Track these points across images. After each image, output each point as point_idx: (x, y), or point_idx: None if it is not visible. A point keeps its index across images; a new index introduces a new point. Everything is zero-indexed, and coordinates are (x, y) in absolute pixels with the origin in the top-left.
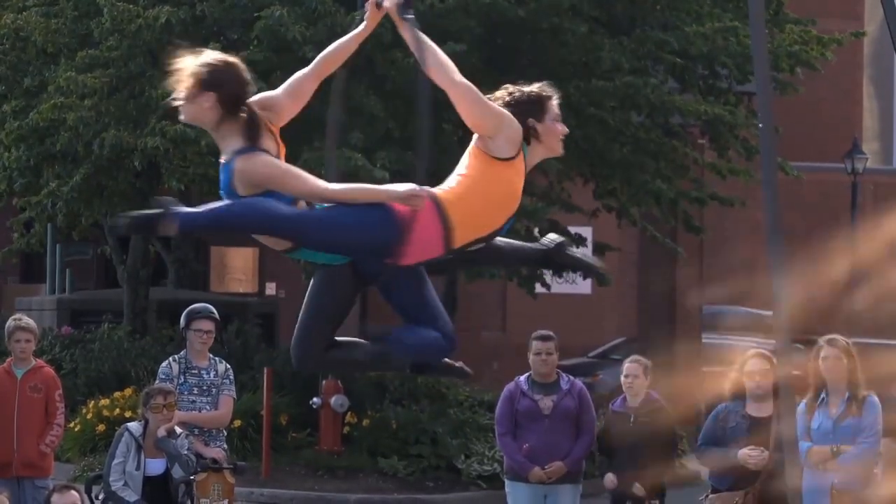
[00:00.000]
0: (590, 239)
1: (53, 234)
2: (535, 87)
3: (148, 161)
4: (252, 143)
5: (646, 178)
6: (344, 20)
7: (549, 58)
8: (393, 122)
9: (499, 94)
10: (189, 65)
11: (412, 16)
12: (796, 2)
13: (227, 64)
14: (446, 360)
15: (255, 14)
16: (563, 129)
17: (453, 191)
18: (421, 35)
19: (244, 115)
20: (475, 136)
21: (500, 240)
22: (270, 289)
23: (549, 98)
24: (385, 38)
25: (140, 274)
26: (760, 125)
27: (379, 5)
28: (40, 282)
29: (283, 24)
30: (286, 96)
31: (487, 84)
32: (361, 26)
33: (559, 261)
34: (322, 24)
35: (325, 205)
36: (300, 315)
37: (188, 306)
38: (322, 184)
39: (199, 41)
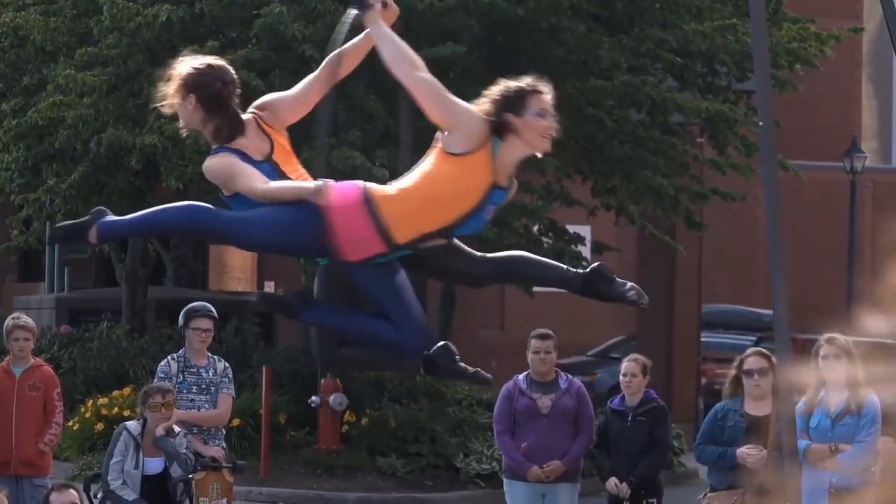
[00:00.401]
0: (588, 238)
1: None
2: (521, 82)
3: (146, 159)
4: (222, 142)
5: (646, 175)
6: (343, 18)
7: (548, 57)
8: (392, 120)
9: (494, 88)
10: (179, 69)
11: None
12: (796, 1)
13: (208, 66)
14: (460, 364)
15: (255, 12)
16: (547, 124)
17: (397, 187)
18: (391, 34)
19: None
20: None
21: (530, 256)
22: (269, 288)
23: (533, 93)
24: None
25: (139, 273)
26: (761, 123)
27: (386, 5)
28: (39, 280)
29: (282, 22)
30: (292, 98)
31: (486, 83)
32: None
33: (597, 288)
34: (321, 22)
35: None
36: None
37: (187, 305)
38: (259, 184)
39: (198, 39)
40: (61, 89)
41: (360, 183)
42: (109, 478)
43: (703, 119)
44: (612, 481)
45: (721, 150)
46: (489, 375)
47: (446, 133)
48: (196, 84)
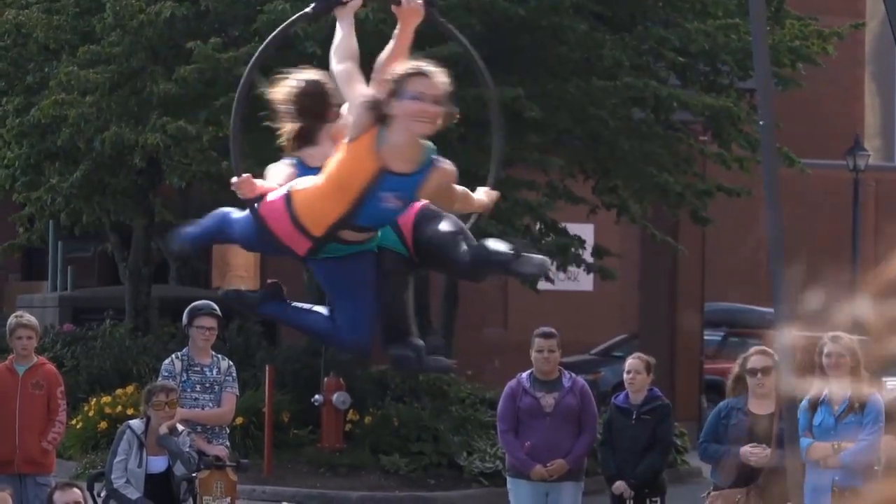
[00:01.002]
0: (591, 235)
1: (55, 231)
2: (407, 64)
3: (149, 158)
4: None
5: (651, 171)
6: None
7: (549, 56)
8: None
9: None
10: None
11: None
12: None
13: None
14: (431, 358)
15: (258, 8)
16: (420, 107)
17: (312, 180)
18: (348, 30)
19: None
20: None
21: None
22: None
23: (413, 75)
24: (387, 33)
25: (142, 271)
26: (761, 122)
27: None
28: (42, 279)
29: (285, 19)
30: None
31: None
32: (398, 29)
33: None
34: (325, 19)
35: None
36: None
37: (190, 304)
38: None
39: (201, 37)
40: (64, 87)
41: (293, 182)
42: (113, 476)
43: (707, 116)
44: (621, 485)
45: (725, 147)
46: (448, 362)
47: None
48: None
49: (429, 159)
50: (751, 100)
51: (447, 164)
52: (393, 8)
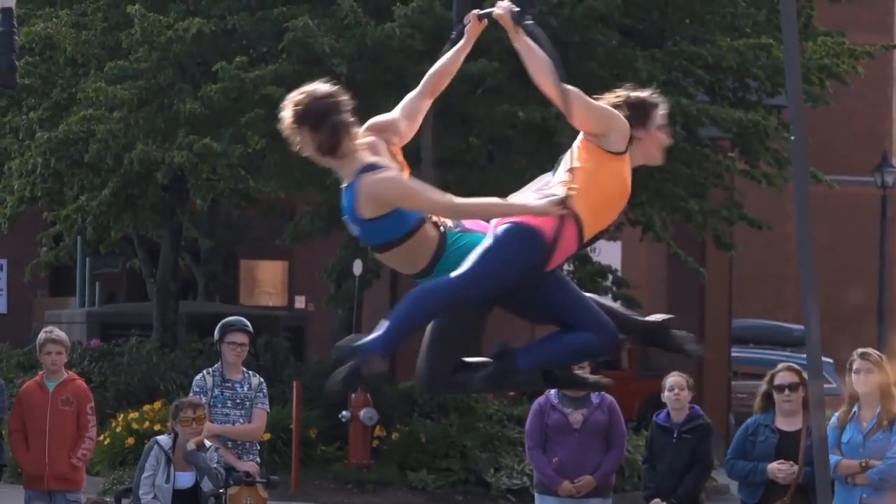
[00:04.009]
0: (618, 252)
1: (83, 247)
2: (644, 93)
3: (174, 174)
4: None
5: (679, 193)
6: (374, 32)
7: (577, 71)
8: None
9: (609, 96)
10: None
11: (531, 21)
12: (827, 15)
13: (311, 96)
14: (576, 370)
15: (285, 25)
16: (665, 138)
17: (575, 186)
18: (534, 46)
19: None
20: (581, 133)
21: (608, 303)
22: (300, 302)
23: (656, 106)
24: (415, 48)
25: (170, 287)
26: (792, 137)
27: (482, 18)
28: (70, 295)
29: (311, 35)
30: (403, 118)
31: (513, 99)
32: (463, 40)
33: (661, 341)
34: (351, 35)
35: (469, 260)
36: (425, 337)
37: (218, 320)
38: (449, 198)
39: (228, 54)
40: (92, 102)
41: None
42: (141, 492)
43: (735, 133)
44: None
45: (753, 164)
46: (605, 380)
47: (600, 136)
48: (307, 115)
49: None
50: (779, 115)
51: None
52: (472, 17)
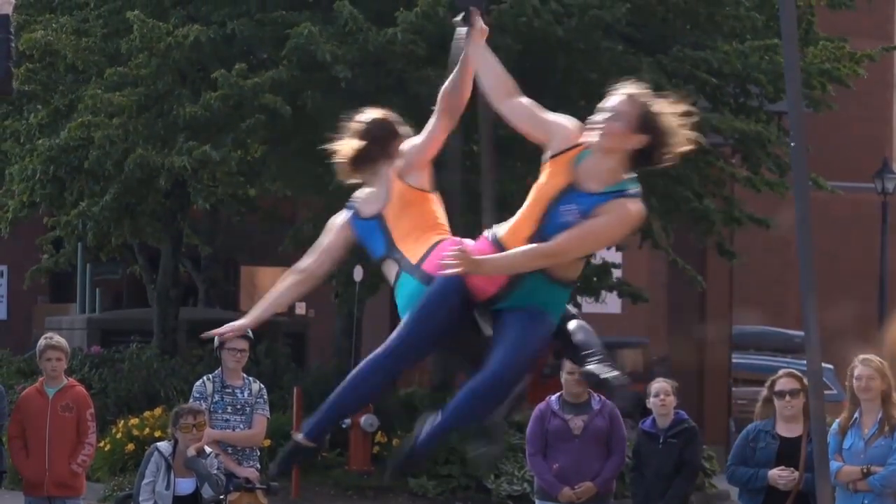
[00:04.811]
0: (619, 257)
1: (83, 254)
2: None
3: (175, 180)
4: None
5: (687, 195)
6: (376, 38)
7: (581, 78)
8: None
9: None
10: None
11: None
12: (827, 21)
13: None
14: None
15: (286, 31)
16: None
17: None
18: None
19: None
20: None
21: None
22: (300, 309)
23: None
24: (417, 54)
25: (170, 293)
26: (792, 144)
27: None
28: (70, 301)
29: (313, 42)
30: (420, 141)
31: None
32: (464, 53)
33: (594, 384)
34: (353, 41)
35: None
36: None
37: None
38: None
39: (228, 60)
40: (91, 110)
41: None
42: (141, 499)
43: (736, 140)
44: None
45: (754, 171)
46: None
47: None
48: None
49: (620, 188)
50: (780, 122)
51: (632, 204)
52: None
